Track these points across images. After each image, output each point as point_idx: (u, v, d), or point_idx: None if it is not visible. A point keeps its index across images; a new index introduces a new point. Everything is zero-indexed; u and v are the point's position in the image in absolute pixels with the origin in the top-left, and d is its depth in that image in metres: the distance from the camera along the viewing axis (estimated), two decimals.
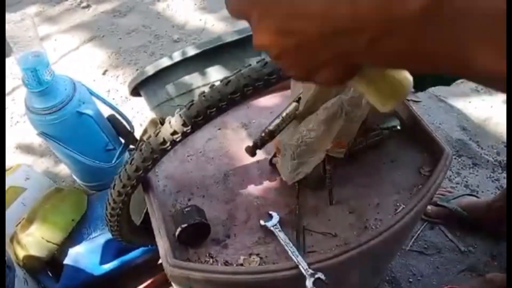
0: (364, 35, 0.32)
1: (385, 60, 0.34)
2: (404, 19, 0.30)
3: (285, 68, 0.39)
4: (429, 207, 1.42)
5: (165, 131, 0.69)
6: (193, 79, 1.02)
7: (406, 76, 0.42)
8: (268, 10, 0.35)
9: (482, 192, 1.50)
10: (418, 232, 1.41)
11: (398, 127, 0.83)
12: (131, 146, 1.44)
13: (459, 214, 1.37)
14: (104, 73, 2.07)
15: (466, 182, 1.53)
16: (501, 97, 1.75)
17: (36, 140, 1.77)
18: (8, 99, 1.98)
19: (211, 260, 0.74)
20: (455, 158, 1.60)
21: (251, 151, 0.77)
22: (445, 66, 0.32)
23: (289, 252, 0.71)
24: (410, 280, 1.32)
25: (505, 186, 1.37)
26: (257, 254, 0.74)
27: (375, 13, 0.31)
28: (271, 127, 0.75)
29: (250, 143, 0.91)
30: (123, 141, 1.44)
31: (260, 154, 0.89)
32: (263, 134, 0.75)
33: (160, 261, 0.73)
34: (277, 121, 0.75)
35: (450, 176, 1.55)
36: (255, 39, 0.38)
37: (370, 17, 0.31)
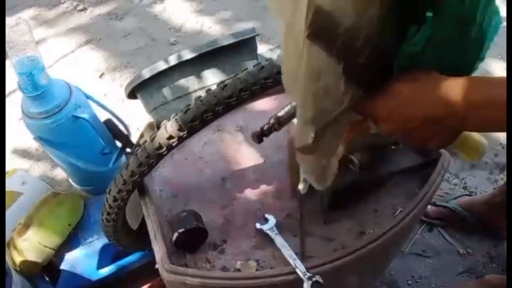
0: (456, 117, 0.52)
1: (474, 128, 0.57)
2: (477, 104, 0.52)
3: (406, 141, 0.61)
4: (428, 207, 1.42)
5: (161, 135, 0.69)
6: (190, 83, 1.01)
7: (483, 140, 0.66)
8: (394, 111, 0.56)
9: (480, 193, 1.50)
10: (417, 235, 1.41)
11: None
12: (128, 150, 1.44)
13: (458, 212, 1.37)
14: (100, 77, 2.07)
15: (465, 184, 1.53)
16: None
17: (32, 144, 1.76)
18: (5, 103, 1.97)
19: (208, 265, 0.74)
20: (453, 160, 1.59)
21: (258, 138, 0.73)
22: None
23: (286, 256, 0.70)
24: (409, 282, 1.32)
25: (501, 186, 1.36)
26: (254, 259, 0.73)
27: (460, 103, 0.51)
28: (280, 114, 0.72)
29: (247, 146, 0.90)
30: (119, 145, 1.43)
31: (258, 158, 0.89)
32: (272, 121, 0.72)
33: (157, 266, 0.73)
34: (288, 108, 0.72)
35: (449, 178, 1.54)
36: (383, 126, 0.58)
37: (458, 105, 0.52)
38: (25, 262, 1.18)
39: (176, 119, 0.68)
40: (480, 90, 0.52)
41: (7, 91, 2.02)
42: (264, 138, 0.88)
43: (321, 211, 0.78)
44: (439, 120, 0.53)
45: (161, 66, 1.00)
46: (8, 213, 1.29)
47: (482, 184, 1.53)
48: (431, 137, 0.56)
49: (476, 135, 0.66)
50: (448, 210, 1.39)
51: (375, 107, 0.57)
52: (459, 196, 1.43)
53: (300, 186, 0.75)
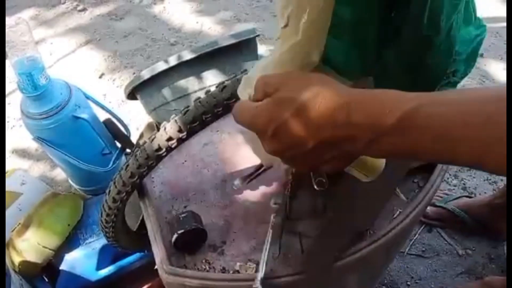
0: (358, 142, 0.42)
1: (378, 155, 0.45)
2: (386, 129, 0.40)
3: (294, 167, 0.53)
4: (427, 208, 1.42)
5: (161, 137, 0.69)
6: (190, 83, 1.01)
7: (382, 161, 0.54)
8: (280, 128, 0.45)
9: (480, 194, 1.50)
10: (416, 236, 1.41)
11: None
12: (128, 150, 1.44)
13: (457, 214, 1.37)
14: (100, 77, 2.07)
15: (464, 184, 1.53)
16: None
17: (32, 144, 1.76)
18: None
19: (207, 266, 0.74)
20: None
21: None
22: (426, 159, 0.44)
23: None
24: (408, 283, 1.32)
25: (502, 188, 1.37)
26: (254, 261, 0.73)
27: (365, 126, 0.41)
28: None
29: (246, 148, 0.91)
30: (119, 145, 1.43)
31: (257, 159, 0.89)
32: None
33: (156, 267, 0.73)
34: None
35: (448, 178, 1.54)
36: (267, 147, 0.47)
37: (362, 128, 0.41)
38: (24, 263, 1.18)
39: (175, 121, 0.68)
40: (394, 109, 0.40)
41: (7, 91, 2.02)
42: None
43: (316, 212, 0.78)
44: (338, 144, 0.44)
45: (161, 66, 1.00)
46: (8, 213, 1.29)
47: (481, 185, 1.53)
48: (324, 161, 0.46)
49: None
50: (446, 211, 1.39)
51: (255, 120, 0.47)
52: (459, 197, 1.43)
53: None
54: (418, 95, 0.41)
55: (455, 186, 1.53)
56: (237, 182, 0.80)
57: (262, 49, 1.15)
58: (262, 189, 0.84)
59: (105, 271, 1.25)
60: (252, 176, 0.80)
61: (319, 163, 0.47)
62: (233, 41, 0.98)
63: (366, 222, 0.71)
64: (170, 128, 0.68)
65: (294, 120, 0.44)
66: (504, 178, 1.52)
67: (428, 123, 0.39)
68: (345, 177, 0.61)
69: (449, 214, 1.39)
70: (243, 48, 1.01)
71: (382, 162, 0.55)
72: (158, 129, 0.71)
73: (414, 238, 1.40)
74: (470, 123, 0.37)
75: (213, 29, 2.27)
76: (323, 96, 0.43)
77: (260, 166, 0.81)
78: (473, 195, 1.48)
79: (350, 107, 0.42)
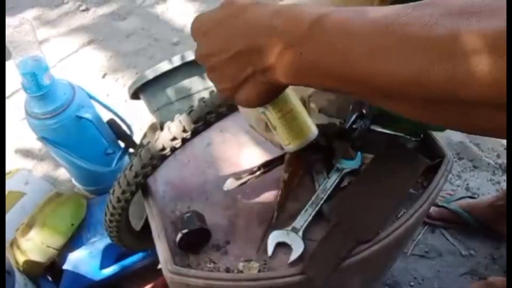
0: (270, 52, 0.39)
1: (286, 72, 0.39)
2: (298, 36, 0.37)
3: (214, 82, 0.47)
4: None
5: (165, 137, 0.69)
6: (193, 83, 1.02)
7: (313, 126, 0.52)
8: (210, 31, 0.44)
9: (483, 194, 1.50)
10: (419, 236, 1.41)
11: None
12: (131, 150, 1.44)
13: (460, 215, 1.37)
14: (103, 77, 2.07)
15: (467, 185, 1.53)
16: None
17: (35, 144, 1.77)
18: (8, 103, 1.98)
19: (211, 266, 0.74)
20: (455, 161, 1.59)
21: None
22: (335, 79, 0.37)
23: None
24: (411, 283, 1.32)
25: (504, 190, 1.36)
26: (257, 260, 0.73)
27: (282, 32, 0.38)
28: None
29: (250, 148, 0.91)
30: (122, 145, 1.43)
31: (261, 159, 0.89)
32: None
33: (160, 266, 0.73)
34: None
35: (451, 179, 1.54)
36: (197, 50, 0.47)
37: (279, 34, 0.38)
38: (28, 262, 1.19)
39: (179, 120, 0.68)
40: (309, 14, 0.37)
41: (10, 91, 2.02)
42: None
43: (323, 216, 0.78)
44: (254, 55, 0.41)
45: (165, 67, 1.00)
46: (11, 213, 1.30)
47: (484, 186, 1.53)
48: (240, 81, 0.43)
49: (307, 120, 0.53)
50: (449, 212, 1.39)
51: (195, 21, 0.48)
52: (461, 198, 1.43)
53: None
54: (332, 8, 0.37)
55: (458, 186, 1.53)
56: (227, 183, 0.80)
57: None
58: (266, 188, 0.85)
59: (108, 271, 1.25)
60: (244, 180, 0.80)
61: (236, 82, 0.44)
62: None
63: (371, 232, 0.71)
64: (174, 128, 0.68)
65: (225, 23, 0.43)
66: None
67: (331, 30, 0.35)
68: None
69: (452, 215, 1.39)
70: None
71: (309, 128, 0.53)
72: (162, 129, 0.71)
73: (417, 238, 1.40)
74: (364, 31, 0.33)
75: None
76: (256, 5, 0.41)
77: (252, 171, 0.81)
78: (476, 196, 1.48)
79: (276, 14, 0.39)
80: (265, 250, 0.74)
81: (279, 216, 0.77)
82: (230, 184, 0.81)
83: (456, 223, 1.39)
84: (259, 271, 0.71)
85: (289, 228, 0.74)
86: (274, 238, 0.74)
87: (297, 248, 0.72)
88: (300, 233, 0.74)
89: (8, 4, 2.48)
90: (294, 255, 0.71)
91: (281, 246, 0.74)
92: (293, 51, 0.37)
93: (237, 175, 0.82)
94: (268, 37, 0.39)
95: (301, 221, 0.75)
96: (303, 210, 0.76)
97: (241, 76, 0.43)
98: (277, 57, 0.39)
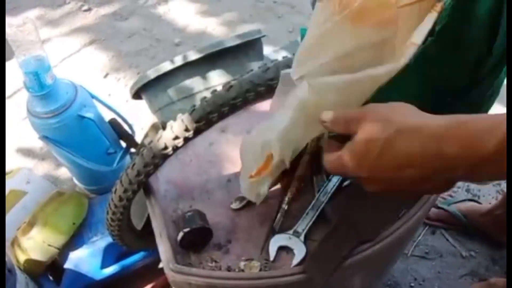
0: (455, 171, 0.44)
1: (478, 180, 0.54)
2: (484, 158, 0.41)
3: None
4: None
5: (167, 136, 0.69)
6: (195, 83, 1.02)
7: None
8: (371, 173, 0.48)
9: (483, 196, 1.50)
10: (419, 237, 1.41)
11: None
12: (132, 150, 1.44)
13: (458, 218, 1.37)
14: (105, 77, 2.08)
15: (468, 186, 1.53)
16: (501, 103, 1.74)
17: (37, 143, 1.77)
18: (10, 102, 1.98)
19: (213, 264, 0.74)
20: None
21: None
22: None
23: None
24: (412, 284, 1.32)
25: (502, 198, 1.36)
26: (259, 259, 0.73)
27: (460, 158, 0.42)
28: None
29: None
30: (124, 144, 1.44)
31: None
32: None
33: (161, 265, 0.73)
34: None
35: None
36: (367, 188, 0.50)
37: (457, 160, 0.43)
38: (29, 261, 1.19)
39: (182, 120, 0.69)
40: (489, 138, 0.41)
41: (12, 90, 2.03)
42: None
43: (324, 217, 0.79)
44: (434, 176, 0.45)
45: (167, 66, 1.01)
46: (13, 212, 1.30)
47: (485, 188, 1.53)
48: (426, 190, 0.51)
49: None
50: (448, 214, 1.39)
51: (346, 170, 0.50)
52: (462, 201, 1.43)
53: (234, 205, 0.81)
54: (503, 117, 0.41)
55: (459, 188, 1.53)
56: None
57: (266, 49, 1.16)
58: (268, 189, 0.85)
59: (109, 270, 1.25)
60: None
61: (422, 192, 0.51)
62: (239, 41, 0.98)
63: (372, 232, 0.71)
64: (176, 127, 0.69)
65: (381, 161, 0.46)
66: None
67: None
68: None
69: (450, 217, 1.39)
70: (248, 48, 1.01)
71: None
72: (164, 129, 0.71)
73: (418, 239, 1.40)
74: None
75: (217, 30, 2.28)
76: (406, 134, 0.45)
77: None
78: (476, 197, 1.48)
79: (439, 141, 0.43)
80: (267, 251, 0.74)
81: (281, 219, 0.77)
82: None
83: (454, 225, 1.40)
84: (260, 270, 0.72)
85: (291, 232, 0.74)
86: (276, 242, 0.74)
87: (299, 252, 0.72)
88: (302, 237, 0.74)
89: (10, 4, 2.49)
90: (296, 259, 0.71)
91: (283, 249, 0.74)
92: (478, 170, 0.43)
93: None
94: (442, 162, 0.44)
95: (303, 224, 0.75)
96: (305, 213, 0.76)
97: (423, 189, 0.51)
98: (463, 174, 0.44)
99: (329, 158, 0.52)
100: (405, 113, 0.47)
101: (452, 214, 1.38)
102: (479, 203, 1.44)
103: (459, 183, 1.54)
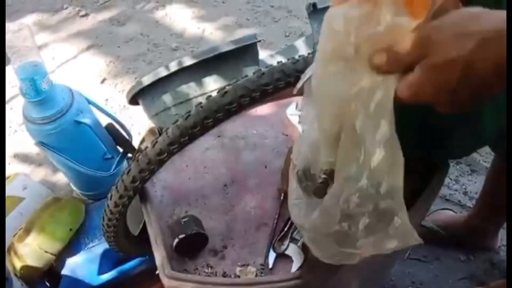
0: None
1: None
2: None
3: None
4: None
5: (162, 142, 0.69)
6: (191, 89, 1.02)
7: None
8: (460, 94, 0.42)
9: None
10: None
11: None
12: (129, 155, 1.44)
13: (435, 232, 1.35)
14: (102, 82, 2.08)
15: (465, 189, 1.53)
16: None
17: (33, 149, 1.77)
18: (6, 108, 1.98)
19: (209, 270, 0.74)
20: (453, 165, 1.60)
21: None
22: None
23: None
24: None
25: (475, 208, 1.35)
26: (254, 265, 0.73)
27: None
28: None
29: (247, 153, 0.91)
30: (121, 150, 1.44)
31: (258, 164, 0.89)
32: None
33: (157, 271, 0.73)
34: None
35: (449, 183, 1.54)
36: (443, 109, 0.45)
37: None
38: (26, 267, 1.18)
39: (177, 125, 0.69)
40: None
41: (8, 96, 2.03)
42: (266, 142, 0.89)
43: None
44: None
45: (162, 72, 1.01)
46: (9, 218, 1.30)
47: None
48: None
49: None
50: (426, 230, 1.34)
51: (424, 93, 0.43)
52: (435, 210, 1.41)
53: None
54: None
55: (456, 190, 1.53)
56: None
57: (262, 54, 1.16)
58: (263, 193, 0.85)
59: (106, 276, 1.25)
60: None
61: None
62: (234, 47, 0.98)
63: None
64: (171, 132, 0.69)
65: (466, 82, 0.41)
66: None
67: None
68: None
69: (428, 232, 1.35)
70: (244, 53, 1.01)
71: None
72: (160, 134, 0.71)
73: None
74: None
75: (214, 34, 2.28)
76: (492, 41, 0.39)
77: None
78: (473, 200, 1.48)
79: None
80: (263, 256, 0.74)
81: (278, 225, 0.77)
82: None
83: (432, 239, 1.37)
84: (256, 275, 0.72)
85: (288, 238, 0.74)
86: (274, 249, 0.74)
87: (298, 259, 0.72)
88: (300, 243, 0.74)
89: (7, 10, 2.49)
90: (295, 267, 0.71)
91: (281, 257, 0.74)
92: None
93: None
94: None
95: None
96: None
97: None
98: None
99: (402, 88, 0.44)
100: (482, 20, 0.41)
101: (430, 230, 1.36)
102: (453, 211, 1.43)
103: (456, 186, 1.54)
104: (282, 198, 0.81)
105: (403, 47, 0.43)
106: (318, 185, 0.55)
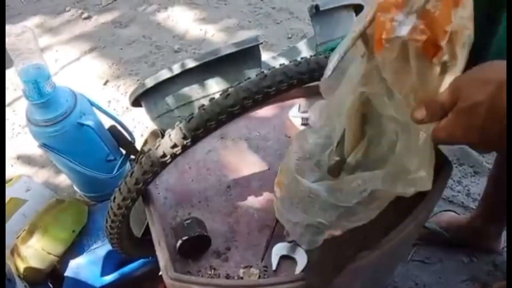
0: None
1: None
2: None
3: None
4: None
5: (165, 144, 0.70)
6: (193, 91, 1.02)
7: None
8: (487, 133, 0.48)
9: None
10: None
11: None
12: (132, 157, 1.44)
13: (438, 234, 1.35)
14: (105, 84, 2.08)
15: (468, 190, 1.53)
16: None
17: (37, 151, 1.77)
18: (9, 110, 1.99)
19: (212, 272, 0.74)
20: (456, 167, 1.59)
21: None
22: None
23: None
24: None
25: (478, 210, 1.35)
26: (258, 267, 0.73)
27: None
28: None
29: (250, 154, 0.91)
30: (124, 151, 1.44)
31: (261, 165, 0.89)
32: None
33: (160, 273, 0.73)
34: None
35: (452, 185, 1.54)
36: (479, 148, 0.52)
37: None
38: (29, 269, 1.19)
39: (180, 128, 0.69)
40: None
41: (11, 98, 2.03)
42: (269, 144, 0.89)
43: None
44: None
45: (165, 74, 1.01)
46: (12, 220, 1.30)
47: None
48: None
49: None
50: (427, 231, 1.36)
51: (455, 136, 0.50)
52: (439, 212, 1.41)
53: None
54: None
55: (459, 192, 1.53)
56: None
57: (264, 56, 1.16)
58: (266, 195, 0.85)
59: (109, 278, 1.25)
60: None
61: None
62: (236, 49, 0.98)
63: (372, 239, 0.71)
64: (174, 135, 0.69)
65: (490, 122, 0.47)
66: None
67: None
68: None
69: (431, 234, 1.36)
70: (246, 56, 1.01)
71: None
72: (163, 136, 0.71)
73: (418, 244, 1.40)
74: None
75: (216, 36, 2.29)
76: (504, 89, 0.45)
77: None
78: (476, 202, 1.48)
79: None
80: (267, 259, 0.74)
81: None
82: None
83: (436, 240, 1.37)
84: (259, 277, 0.72)
85: (293, 240, 0.74)
86: (277, 251, 0.74)
87: (302, 260, 0.72)
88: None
89: (10, 12, 2.50)
90: (299, 268, 0.71)
91: (284, 258, 0.74)
92: None
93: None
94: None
95: None
96: None
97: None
98: None
99: (436, 131, 0.52)
100: (497, 68, 0.47)
101: (433, 232, 1.36)
102: (456, 213, 1.43)
103: (458, 187, 1.53)
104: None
105: (440, 100, 0.50)
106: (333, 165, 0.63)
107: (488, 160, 1.61)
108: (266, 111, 1.02)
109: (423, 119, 0.52)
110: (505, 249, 1.37)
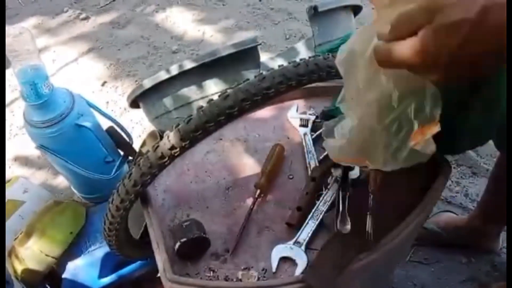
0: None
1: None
2: None
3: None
4: None
5: (163, 146, 0.69)
6: (191, 92, 1.02)
7: None
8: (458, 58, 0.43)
9: None
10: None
11: None
12: (130, 158, 1.44)
13: (437, 234, 1.35)
14: (103, 85, 2.08)
15: (466, 191, 1.53)
16: None
17: (34, 152, 1.77)
18: (6, 112, 1.98)
19: (211, 274, 0.74)
20: (454, 168, 1.59)
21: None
22: None
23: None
24: None
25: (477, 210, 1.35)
26: (256, 269, 0.73)
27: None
28: None
29: (249, 156, 0.91)
30: (122, 153, 1.43)
31: (260, 167, 0.89)
32: None
33: (159, 275, 0.73)
34: None
35: (450, 185, 1.54)
36: (439, 76, 0.45)
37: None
38: (26, 271, 1.18)
39: (178, 130, 0.68)
40: None
41: (9, 100, 2.03)
42: (267, 145, 0.89)
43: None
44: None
45: (163, 75, 1.01)
46: (10, 221, 1.29)
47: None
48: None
49: None
50: (425, 231, 1.36)
51: (420, 54, 0.43)
52: (437, 213, 1.41)
53: None
54: None
55: (457, 193, 1.53)
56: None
57: (263, 56, 1.16)
58: (265, 197, 0.85)
59: (107, 279, 1.25)
60: None
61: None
62: (234, 50, 0.98)
63: (371, 241, 0.71)
64: (173, 136, 0.68)
65: (467, 46, 0.42)
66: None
67: None
68: None
69: (428, 234, 1.36)
70: (245, 57, 1.01)
71: None
72: (161, 137, 0.71)
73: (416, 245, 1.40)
74: None
75: (214, 37, 2.28)
76: (495, 8, 0.40)
77: None
78: (475, 203, 1.48)
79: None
80: (268, 261, 0.74)
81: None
82: None
83: (434, 240, 1.37)
84: (258, 279, 0.71)
85: (292, 242, 0.74)
86: (277, 253, 0.74)
87: (301, 262, 0.72)
88: (303, 246, 0.74)
89: (7, 13, 2.50)
90: (298, 270, 0.71)
91: (285, 260, 0.74)
92: None
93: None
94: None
95: (304, 234, 0.75)
96: (305, 223, 0.76)
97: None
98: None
99: (402, 45, 0.45)
100: None
101: (432, 232, 1.36)
102: (455, 213, 1.43)
103: (457, 188, 1.54)
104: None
105: (411, 10, 0.44)
106: None
107: (486, 161, 1.61)
108: (264, 113, 1.02)
109: (386, 33, 0.45)
110: (504, 249, 1.37)
